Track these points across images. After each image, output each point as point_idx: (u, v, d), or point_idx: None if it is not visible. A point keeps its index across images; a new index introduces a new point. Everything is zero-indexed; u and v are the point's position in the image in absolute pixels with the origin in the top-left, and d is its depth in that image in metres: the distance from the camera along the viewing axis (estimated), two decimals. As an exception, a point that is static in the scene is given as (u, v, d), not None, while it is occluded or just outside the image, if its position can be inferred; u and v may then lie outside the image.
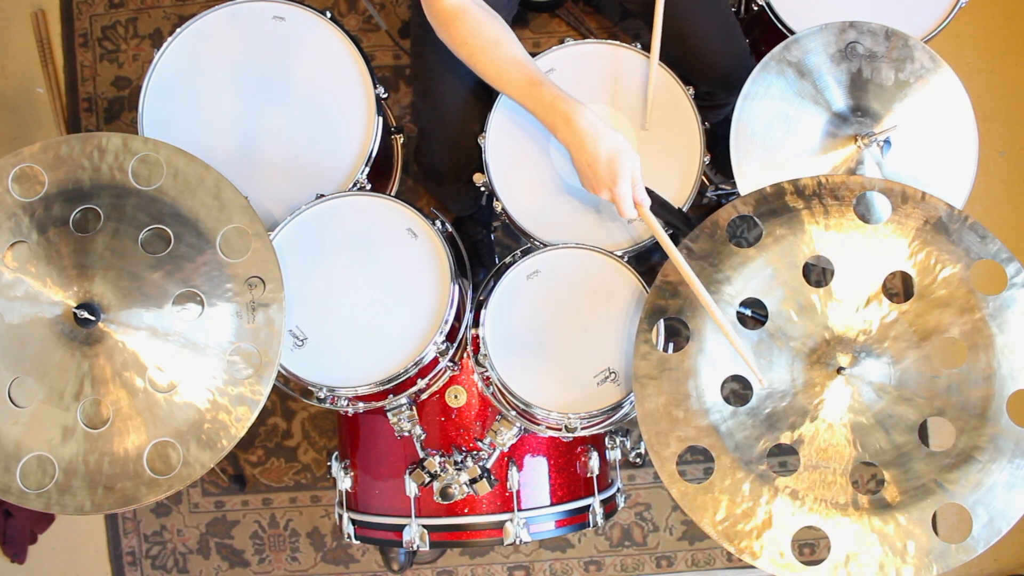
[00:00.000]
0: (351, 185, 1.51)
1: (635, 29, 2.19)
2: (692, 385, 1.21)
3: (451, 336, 1.45)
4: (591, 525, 1.60)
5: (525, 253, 1.47)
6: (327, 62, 1.54)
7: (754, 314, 1.28)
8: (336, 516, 1.70)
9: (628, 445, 1.71)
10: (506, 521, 1.53)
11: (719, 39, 1.61)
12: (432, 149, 1.71)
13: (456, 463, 1.49)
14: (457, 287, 1.42)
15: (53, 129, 2.27)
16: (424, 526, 1.54)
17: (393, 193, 1.83)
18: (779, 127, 1.41)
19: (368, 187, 1.55)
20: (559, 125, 1.32)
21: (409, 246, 1.44)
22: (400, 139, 1.92)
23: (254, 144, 1.53)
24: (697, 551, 2.18)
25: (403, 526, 1.54)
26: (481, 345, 1.41)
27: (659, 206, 1.45)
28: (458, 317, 1.46)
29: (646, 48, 1.52)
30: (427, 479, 1.49)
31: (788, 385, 1.21)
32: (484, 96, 1.57)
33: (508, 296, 1.43)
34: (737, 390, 1.23)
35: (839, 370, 1.20)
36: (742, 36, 1.65)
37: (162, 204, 1.24)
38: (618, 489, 1.74)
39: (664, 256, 1.28)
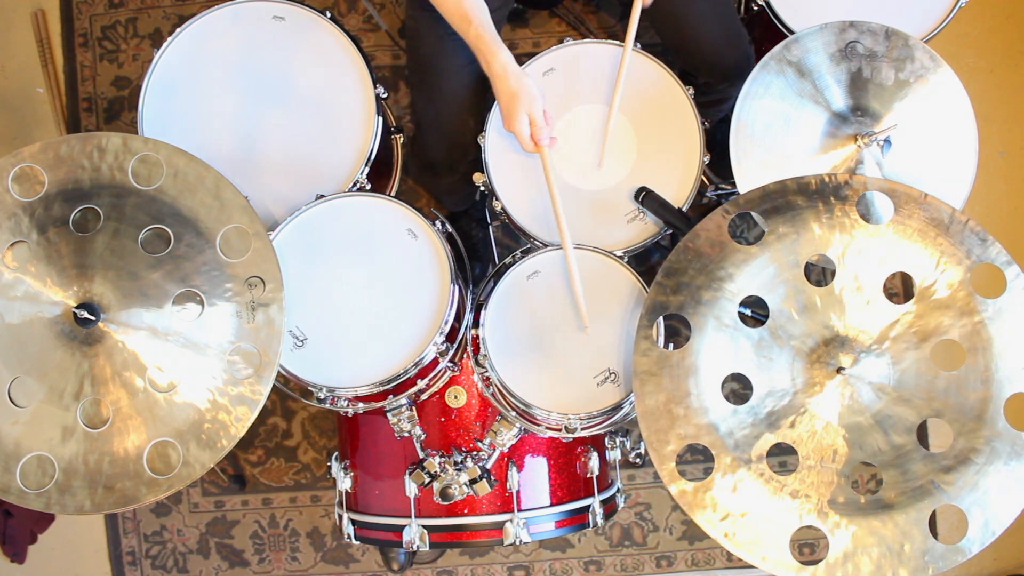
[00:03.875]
0: (351, 185, 1.51)
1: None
2: (692, 383, 1.21)
3: (451, 336, 1.45)
4: (591, 525, 1.60)
5: (525, 253, 1.47)
6: (327, 62, 1.54)
7: (754, 314, 1.27)
8: (336, 516, 1.70)
9: (628, 445, 1.71)
10: (506, 521, 1.53)
11: (715, 27, 1.61)
12: (428, 141, 1.72)
13: (456, 463, 1.49)
14: (457, 287, 1.42)
15: (53, 129, 2.27)
16: (424, 526, 1.54)
17: (393, 193, 1.83)
18: (779, 127, 1.40)
19: (368, 187, 1.55)
20: (482, 63, 1.47)
21: (409, 246, 1.44)
22: (400, 139, 1.92)
23: (254, 144, 1.53)
24: (697, 551, 2.18)
25: (403, 526, 1.54)
26: (481, 345, 1.41)
27: (659, 206, 1.45)
28: (458, 317, 1.46)
29: (646, 48, 1.52)
30: (427, 479, 1.49)
31: (788, 384, 1.21)
32: (479, 89, 1.58)
33: (508, 296, 1.43)
34: (737, 389, 1.23)
35: (839, 370, 1.20)
36: (741, 26, 1.64)
37: (162, 204, 1.24)
38: (618, 489, 1.74)
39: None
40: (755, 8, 1.61)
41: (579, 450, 1.62)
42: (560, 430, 1.46)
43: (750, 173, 1.40)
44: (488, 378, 1.47)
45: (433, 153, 1.72)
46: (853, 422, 1.20)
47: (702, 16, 1.58)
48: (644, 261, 2.00)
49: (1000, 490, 1.17)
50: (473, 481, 1.48)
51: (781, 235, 1.23)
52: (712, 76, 1.63)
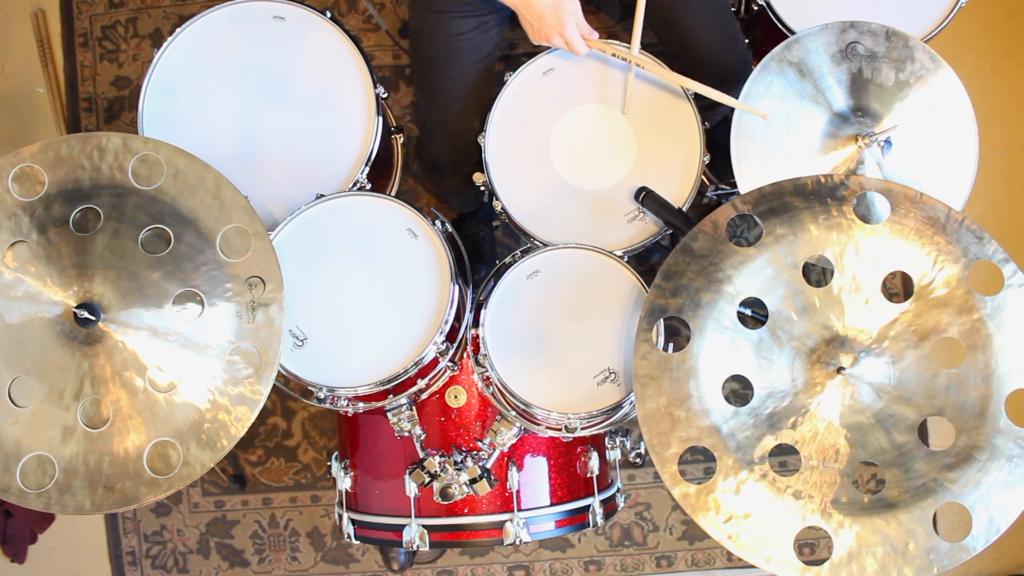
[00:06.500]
0: (351, 185, 1.51)
1: (635, 29, 2.18)
2: (693, 385, 1.21)
3: (451, 336, 1.45)
4: (591, 525, 1.60)
5: (525, 253, 1.46)
6: (327, 62, 1.54)
7: (754, 314, 1.27)
8: (336, 516, 1.70)
9: (628, 445, 1.71)
10: (506, 521, 1.53)
11: (716, 36, 1.61)
12: (432, 143, 1.72)
13: (456, 463, 1.49)
14: (457, 287, 1.42)
15: (53, 129, 2.27)
16: (424, 526, 1.54)
17: (393, 193, 1.83)
18: (780, 127, 1.40)
19: (368, 187, 1.55)
20: None
21: (409, 246, 1.44)
22: (400, 139, 1.92)
23: (254, 144, 1.53)
24: (697, 551, 2.18)
25: (403, 526, 1.54)
26: (481, 345, 1.41)
27: (659, 206, 1.45)
28: (458, 317, 1.46)
29: (646, 48, 1.52)
30: (427, 479, 1.49)
31: (788, 385, 1.21)
32: (483, 90, 1.58)
33: (508, 296, 1.43)
34: (737, 390, 1.23)
35: (839, 370, 1.20)
36: (740, 34, 1.65)
37: (162, 204, 1.24)
38: (618, 489, 1.74)
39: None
40: (755, 8, 1.61)
41: (579, 450, 1.62)
42: (560, 430, 1.46)
43: (751, 173, 1.40)
44: (488, 378, 1.47)
45: (438, 154, 1.73)
46: (854, 422, 1.20)
47: (701, 22, 1.58)
48: (644, 261, 2.00)
49: (1004, 486, 1.17)
50: (473, 481, 1.48)
51: (779, 236, 1.23)
52: (709, 81, 1.63)
